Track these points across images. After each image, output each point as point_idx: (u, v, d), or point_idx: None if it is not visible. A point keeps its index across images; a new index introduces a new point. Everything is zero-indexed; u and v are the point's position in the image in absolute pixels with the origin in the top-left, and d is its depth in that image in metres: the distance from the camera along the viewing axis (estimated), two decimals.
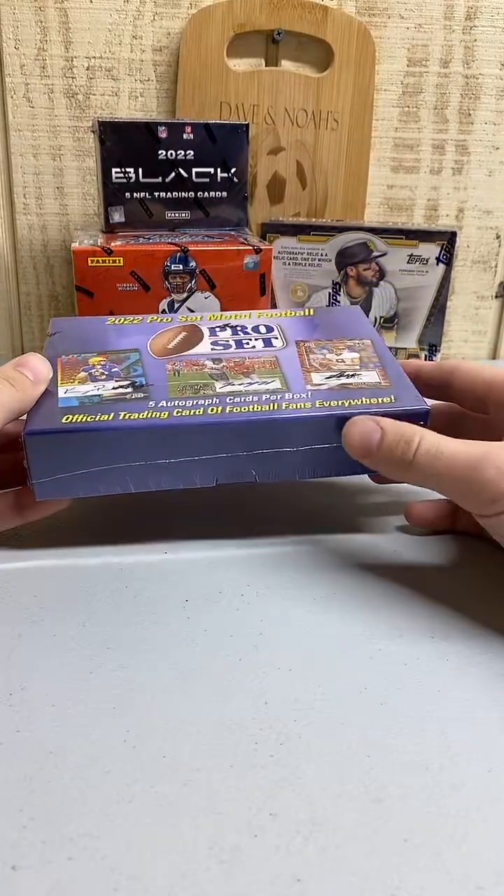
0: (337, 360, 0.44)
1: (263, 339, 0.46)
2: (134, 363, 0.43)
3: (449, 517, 0.44)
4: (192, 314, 0.49)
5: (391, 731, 0.30)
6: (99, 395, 0.41)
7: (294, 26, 0.66)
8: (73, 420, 0.39)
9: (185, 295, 0.58)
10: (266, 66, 0.68)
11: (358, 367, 0.43)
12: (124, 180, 0.60)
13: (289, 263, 0.67)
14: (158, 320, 0.48)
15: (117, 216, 0.61)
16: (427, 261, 0.65)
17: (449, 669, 0.33)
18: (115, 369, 0.43)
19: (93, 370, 0.43)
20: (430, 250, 0.65)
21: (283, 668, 0.33)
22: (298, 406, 0.40)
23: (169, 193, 0.61)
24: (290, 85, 0.68)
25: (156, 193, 0.61)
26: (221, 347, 0.45)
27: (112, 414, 0.39)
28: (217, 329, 0.47)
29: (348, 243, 0.66)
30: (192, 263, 0.57)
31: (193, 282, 0.58)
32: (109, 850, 0.25)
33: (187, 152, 0.60)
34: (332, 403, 0.40)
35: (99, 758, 0.28)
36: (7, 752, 0.28)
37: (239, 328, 0.47)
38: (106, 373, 0.43)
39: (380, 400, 0.40)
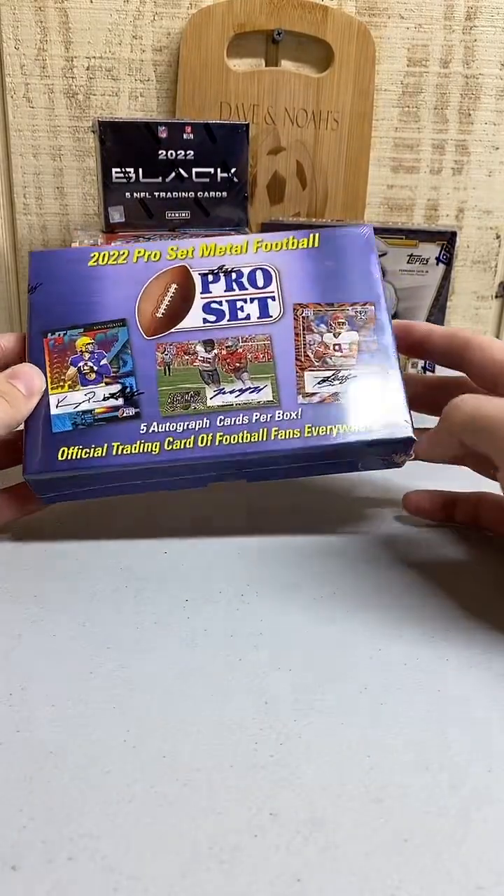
0: (333, 348, 0.42)
1: (259, 301, 0.43)
2: (122, 349, 0.42)
3: (445, 508, 0.44)
4: (181, 246, 0.44)
5: (391, 731, 0.30)
6: (91, 413, 0.40)
7: (294, 26, 0.66)
8: (69, 456, 0.39)
9: None
10: (266, 66, 0.68)
11: (354, 363, 0.42)
12: (124, 180, 0.60)
13: None
14: (145, 258, 0.43)
15: (117, 216, 0.61)
16: (427, 261, 0.65)
17: (449, 669, 0.33)
18: (104, 362, 0.41)
19: (81, 363, 0.41)
20: (430, 250, 0.65)
21: (283, 668, 0.33)
22: (287, 435, 0.40)
23: (169, 193, 0.61)
24: (290, 85, 0.68)
25: (156, 193, 0.61)
26: (214, 318, 0.42)
27: (105, 446, 0.40)
28: (209, 278, 0.43)
29: None
30: None
31: None
32: (109, 850, 0.25)
33: (187, 152, 0.60)
34: (320, 431, 0.40)
35: (99, 758, 0.28)
36: (7, 752, 0.28)
37: (234, 274, 0.43)
38: (95, 368, 0.41)
39: (368, 427, 0.40)
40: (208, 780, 0.27)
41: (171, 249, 0.43)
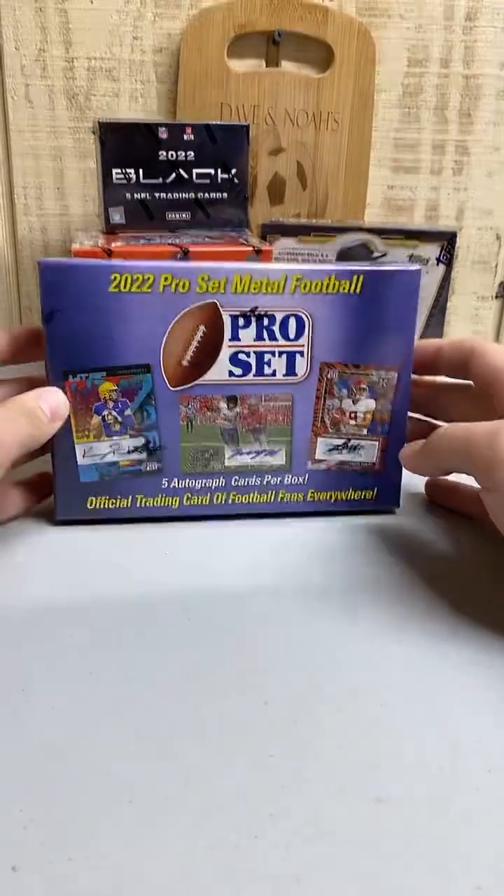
0: (349, 416, 0.43)
1: (287, 357, 0.42)
2: (146, 400, 0.41)
3: (445, 494, 0.46)
4: (213, 276, 0.40)
5: (391, 731, 0.30)
6: (116, 465, 0.42)
7: (294, 27, 0.66)
8: (97, 505, 0.43)
9: None
10: (266, 66, 0.68)
11: (365, 433, 0.44)
12: (125, 181, 0.60)
13: None
14: (172, 287, 0.40)
15: (118, 217, 0.61)
16: (427, 261, 0.65)
17: (449, 669, 0.33)
18: (128, 413, 0.42)
19: (105, 412, 0.41)
20: (430, 251, 0.65)
21: (283, 668, 0.33)
22: (292, 498, 0.45)
23: (169, 194, 0.61)
24: (290, 86, 0.68)
25: (156, 194, 0.61)
26: (240, 371, 0.42)
27: (130, 498, 0.43)
28: (240, 322, 0.41)
29: (348, 244, 0.66)
30: None
31: None
32: (109, 850, 0.25)
33: (188, 153, 0.60)
34: (321, 497, 0.45)
35: (99, 758, 0.28)
36: (7, 752, 0.28)
37: (266, 320, 0.41)
38: (119, 418, 0.42)
39: (362, 495, 0.45)
40: (208, 780, 0.27)
41: (202, 280, 0.40)
